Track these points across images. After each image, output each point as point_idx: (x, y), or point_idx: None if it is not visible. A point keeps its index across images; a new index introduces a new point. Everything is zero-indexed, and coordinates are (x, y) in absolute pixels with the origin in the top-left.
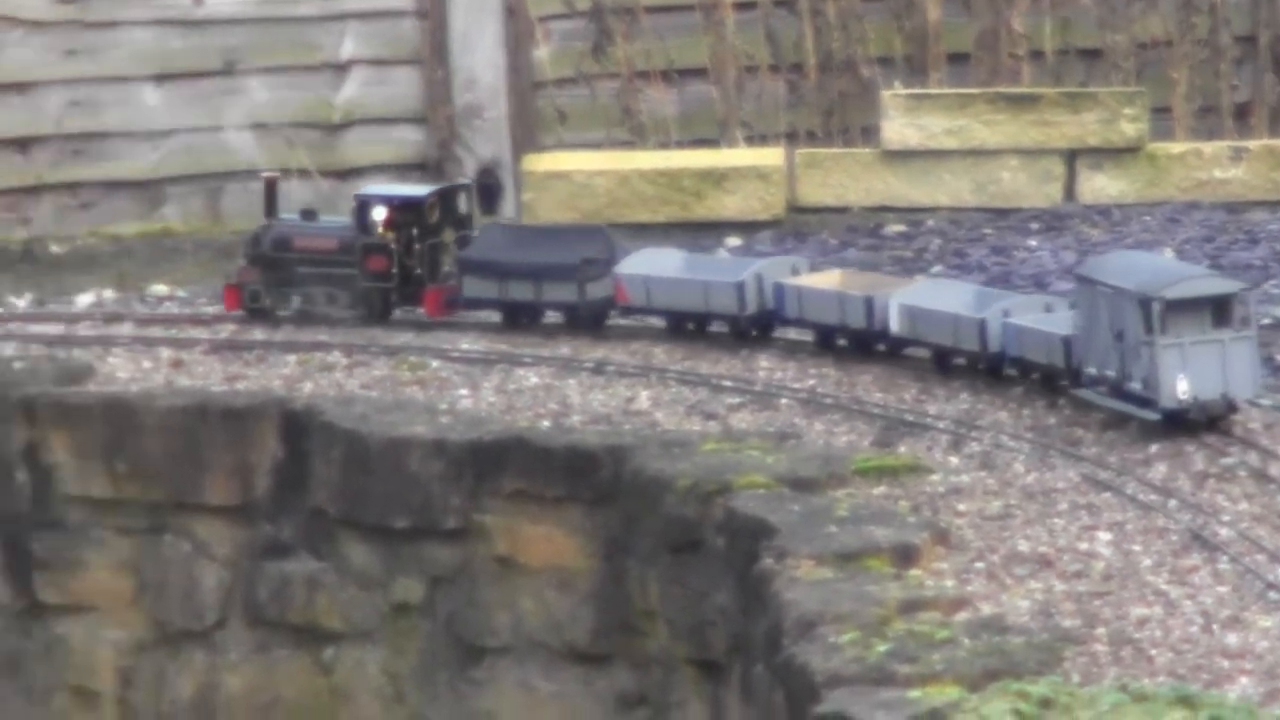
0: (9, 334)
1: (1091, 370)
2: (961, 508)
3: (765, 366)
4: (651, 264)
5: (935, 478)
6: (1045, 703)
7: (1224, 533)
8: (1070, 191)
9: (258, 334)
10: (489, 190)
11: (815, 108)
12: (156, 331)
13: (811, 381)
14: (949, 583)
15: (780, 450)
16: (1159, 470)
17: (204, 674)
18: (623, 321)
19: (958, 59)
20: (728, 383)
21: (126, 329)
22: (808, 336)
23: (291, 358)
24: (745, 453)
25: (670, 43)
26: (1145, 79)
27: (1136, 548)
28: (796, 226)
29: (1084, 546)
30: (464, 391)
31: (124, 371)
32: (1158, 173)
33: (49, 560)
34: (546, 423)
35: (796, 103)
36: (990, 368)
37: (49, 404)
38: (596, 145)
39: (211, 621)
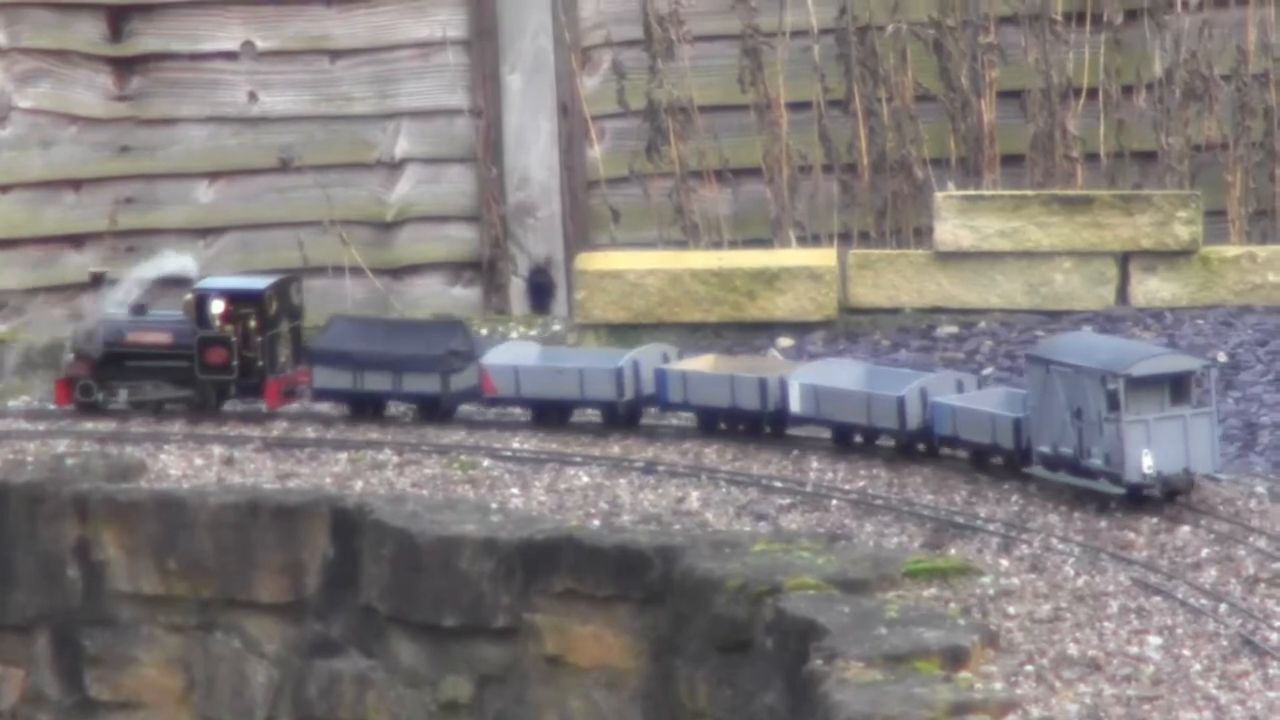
0: (61, 430)
1: (1045, 449)
2: (1011, 610)
3: (816, 468)
4: (517, 355)
5: (985, 580)
6: None
7: (1274, 638)
8: (1123, 294)
9: (309, 432)
10: (541, 289)
11: (868, 208)
12: (208, 429)
13: (862, 483)
14: (998, 685)
15: (830, 551)
16: (1209, 574)
17: None
18: (674, 421)
19: (1012, 160)
20: (778, 483)
21: (178, 428)
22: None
23: (343, 455)
24: (795, 554)
25: (724, 142)
26: (1200, 182)
27: (1186, 652)
28: (849, 327)
29: (1134, 650)
30: (515, 490)
31: (175, 468)
32: (1211, 276)
33: (99, 657)
34: (597, 522)
35: (850, 203)
36: (907, 445)
37: (100, 500)
38: (649, 244)
39: (261, 718)
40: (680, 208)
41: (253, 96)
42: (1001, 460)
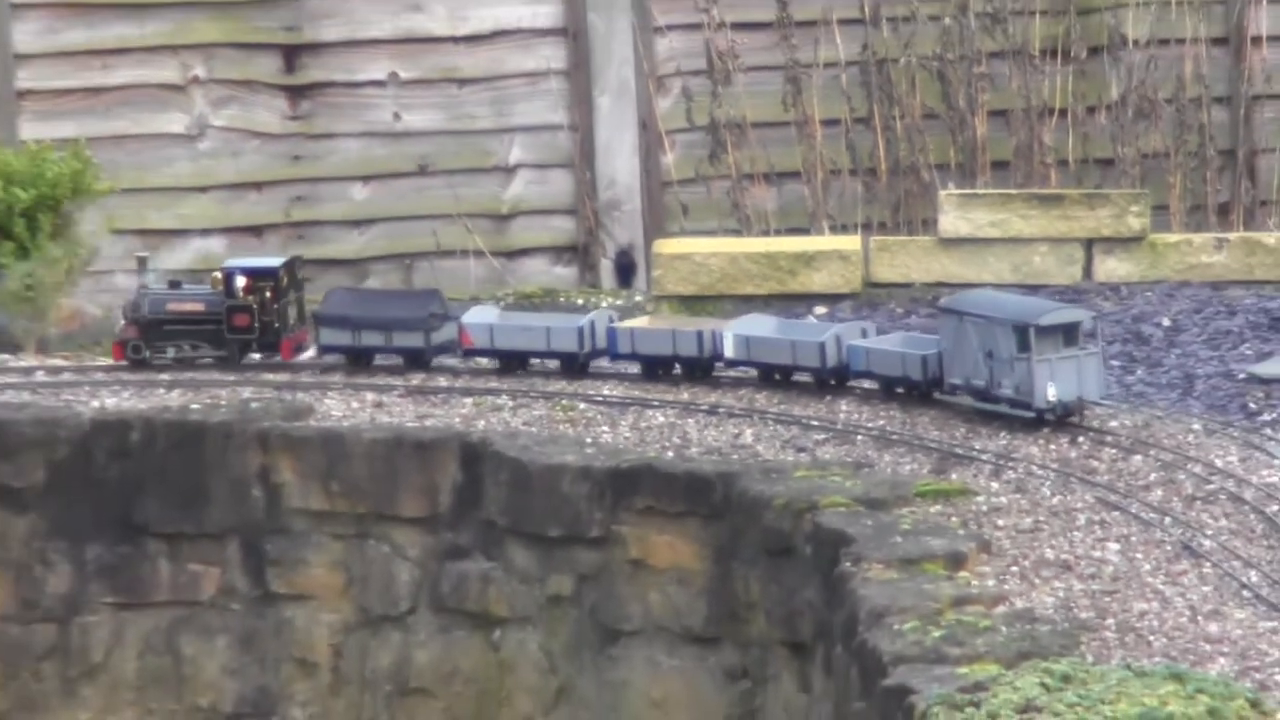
0: (247, 380)
1: (956, 380)
2: (1000, 523)
3: (845, 410)
4: (486, 315)
5: (980, 499)
6: (1066, 678)
7: (1208, 544)
8: (1088, 272)
9: (442, 381)
10: (625, 268)
11: (885, 204)
12: (362, 379)
13: (881, 422)
14: (990, 583)
15: (856, 476)
16: (1156, 494)
17: (398, 650)
18: (731, 373)
19: (1000, 166)
20: (815, 423)
21: (339, 377)
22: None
23: (469, 400)
24: (829, 478)
25: (771, 151)
26: (1148, 183)
27: (1139, 555)
28: (871, 299)
29: (1097, 554)
30: (605, 428)
31: (337, 410)
32: (1157, 258)
33: (278, 559)
34: (670, 453)
35: (871, 199)
36: (827, 381)
37: (278, 435)
38: (711, 232)
39: (405, 608)
40: (736, 203)
41: (397, 116)
42: (907, 390)
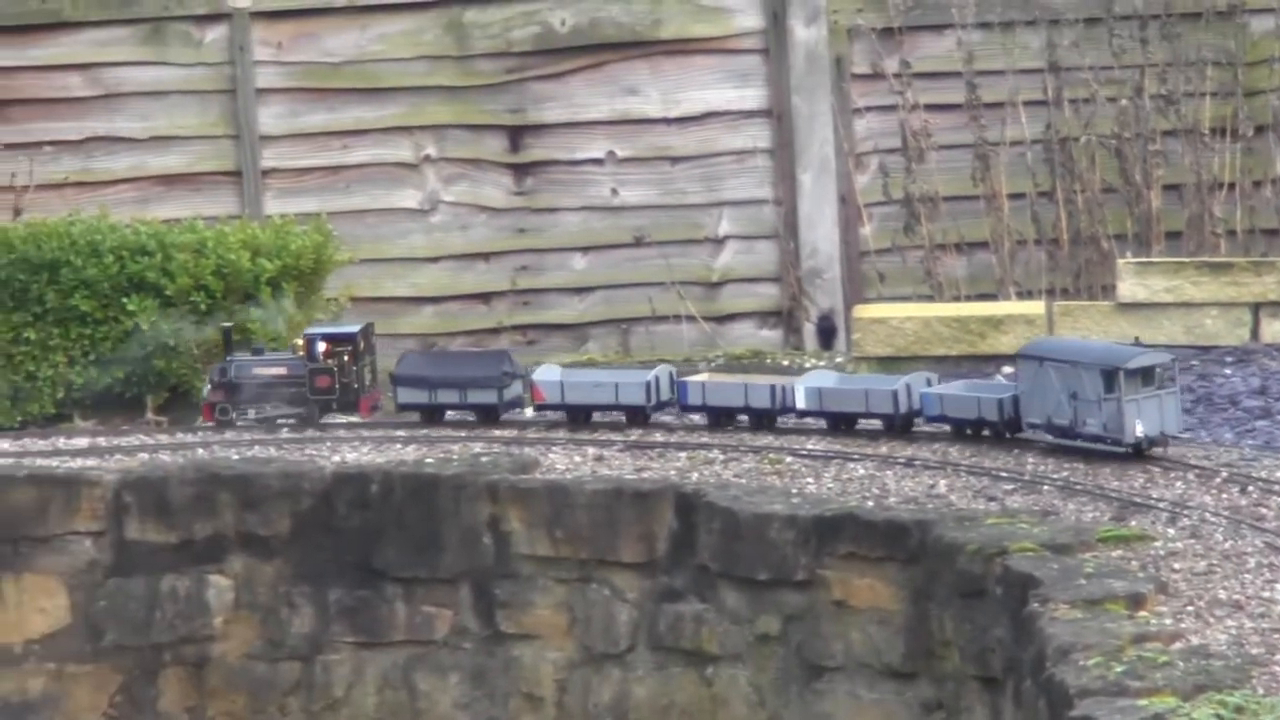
0: (477, 436)
1: (1035, 420)
2: (1176, 566)
3: (1031, 462)
4: (552, 373)
5: (1157, 544)
6: (1239, 709)
7: None
8: (1255, 334)
9: (658, 437)
10: (827, 331)
11: (1068, 271)
12: (584, 435)
13: (1065, 473)
14: (1167, 621)
15: (1043, 523)
16: None
17: (618, 685)
18: (926, 428)
19: (1173, 236)
20: (1004, 474)
21: (562, 434)
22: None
23: (683, 455)
24: (1017, 525)
25: (961, 223)
26: None
27: None
28: None
29: (1266, 595)
30: (810, 480)
31: (561, 464)
32: None
33: (507, 601)
34: (870, 503)
35: (1054, 267)
36: (897, 426)
37: (507, 487)
38: (906, 298)
39: (624, 647)
40: (929, 271)
41: (614, 191)
42: (976, 432)
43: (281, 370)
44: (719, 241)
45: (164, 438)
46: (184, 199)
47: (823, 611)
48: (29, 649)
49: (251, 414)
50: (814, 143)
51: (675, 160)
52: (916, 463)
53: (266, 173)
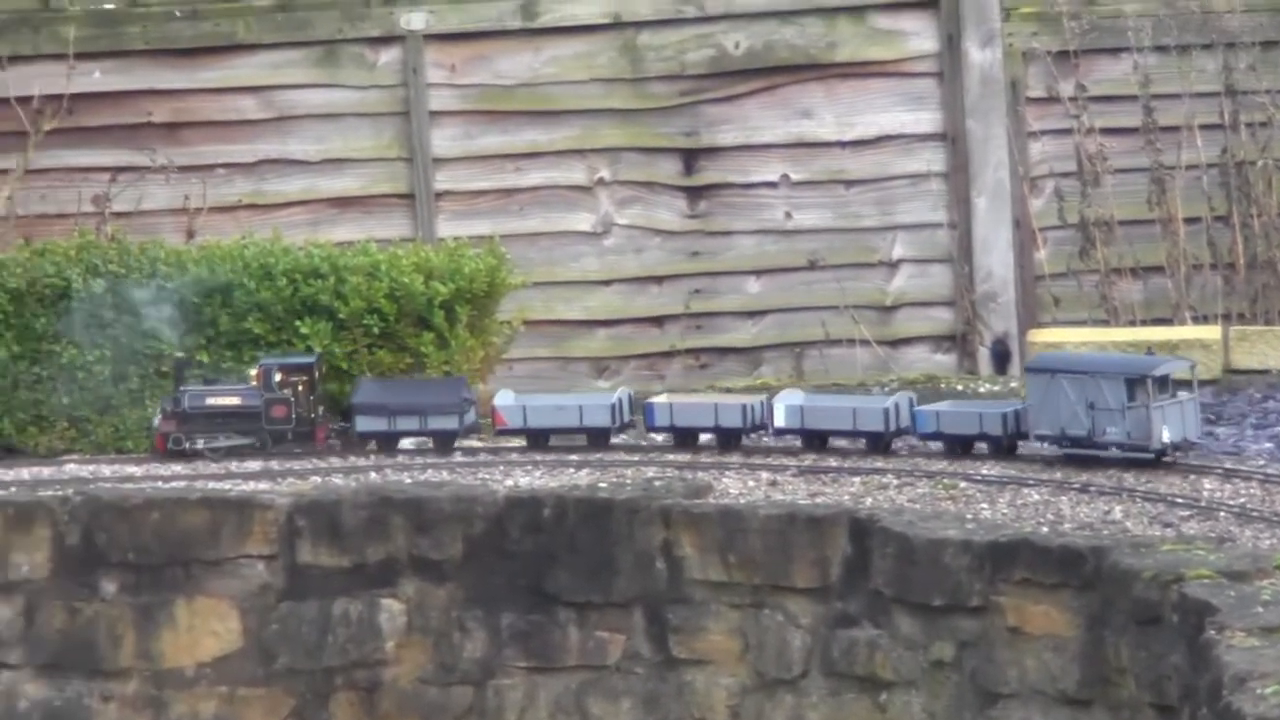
0: (651, 460)
1: (1045, 432)
2: None
3: (1208, 489)
4: (518, 397)
5: None
6: None
7: None
8: None
9: (831, 462)
10: (1001, 356)
11: (1244, 296)
12: (757, 459)
13: (1242, 499)
14: None
15: (1220, 550)
16: None
17: (791, 711)
18: (1099, 454)
19: None
20: (1179, 500)
21: (735, 458)
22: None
23: (856, 480)
24: (1193, 552)
25: (1137, 247)
26: None
27: None
28: (1230, 384)
29: None
30: (984, 505)
31: (734, 488)
32: None
33: (679, 626)
34: (1045, 529)
35: (1230, 292)
36: (881, 444)
37: (680, 512)
38: (1081, 323)
39: (797, 672)
40: (1104, 295)
41: (788, 215)
42: (965, 447)
43: (235, 400)
44: (893, 265)
45: (336, 461)
46: (356, 222)
47: (997, 638)
48: (200, 672)
49: (202, 444)
50: (989, 166)
51: (849, 183)
52: (1091, 488)
53: (439, 195)
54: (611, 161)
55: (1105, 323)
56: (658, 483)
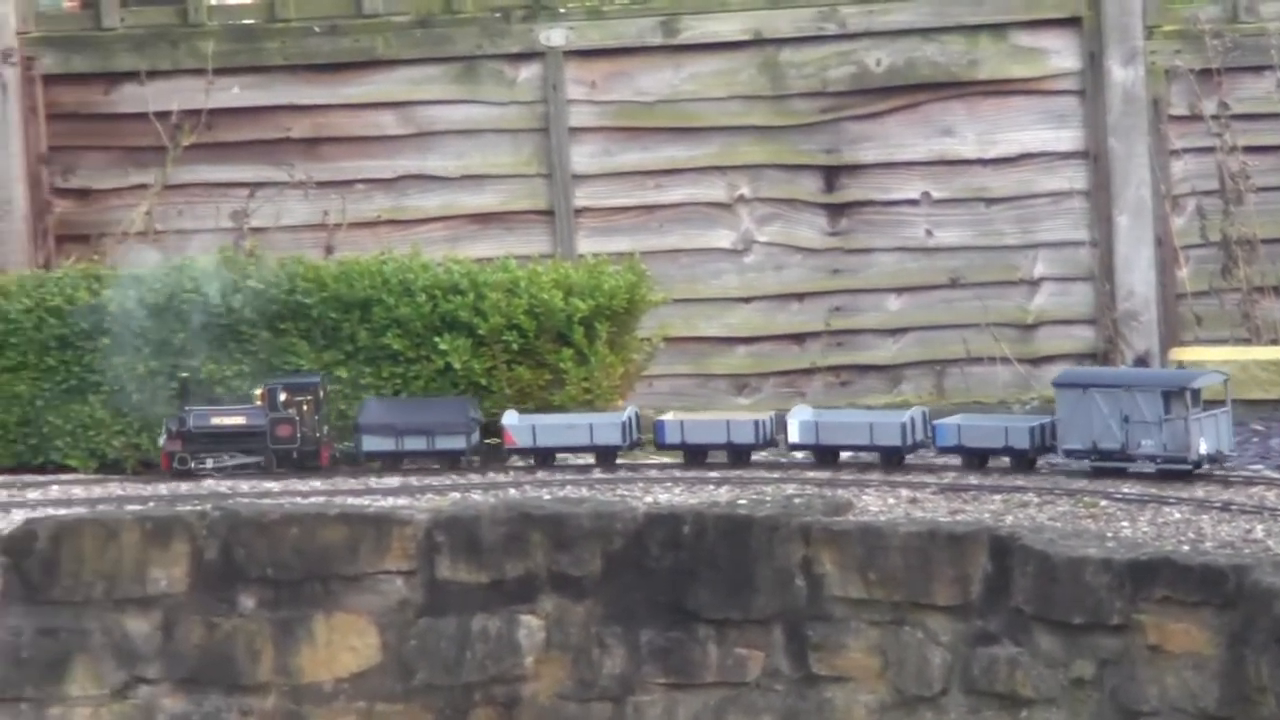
0: (790, 478)
1: (1074, 446)
2: None
3: None
4: (517, 417)
5: None
6: None
7: None
8: None
9: (972, 479)
10: None
11: None
12: (898, 477)
13: None
14: None
15: None
16: None
17: None
18: (1244, 473)
19: None
20: None
21: (875, 475)
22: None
23: (997, 498)
24: None
25: (1279, 266)
26: None
27: None
28: None
29: None
30: (1124, 523)
31: (874, 506)
32: None
33: (819, 643)
34: (1186, 547)
35: None
36: (896, 458)
37: (820, 529)
38: (1223, 341)
39: (937, 690)
40: (1247, 314)
41: (929, 232)
42: (1009, 460)
43: (240, 420)
44: (1034, 283)
45: (475, 477)
46: (496, 238)
47: (1137, 656)
48: (339, 687)
49: (210, 463)
50: (1130, 184)
51: (990, 201)
52: (1233, 507)
53: (579, 211)
54: (752, 178)
55: (1247, 341)
56: (797, 500)
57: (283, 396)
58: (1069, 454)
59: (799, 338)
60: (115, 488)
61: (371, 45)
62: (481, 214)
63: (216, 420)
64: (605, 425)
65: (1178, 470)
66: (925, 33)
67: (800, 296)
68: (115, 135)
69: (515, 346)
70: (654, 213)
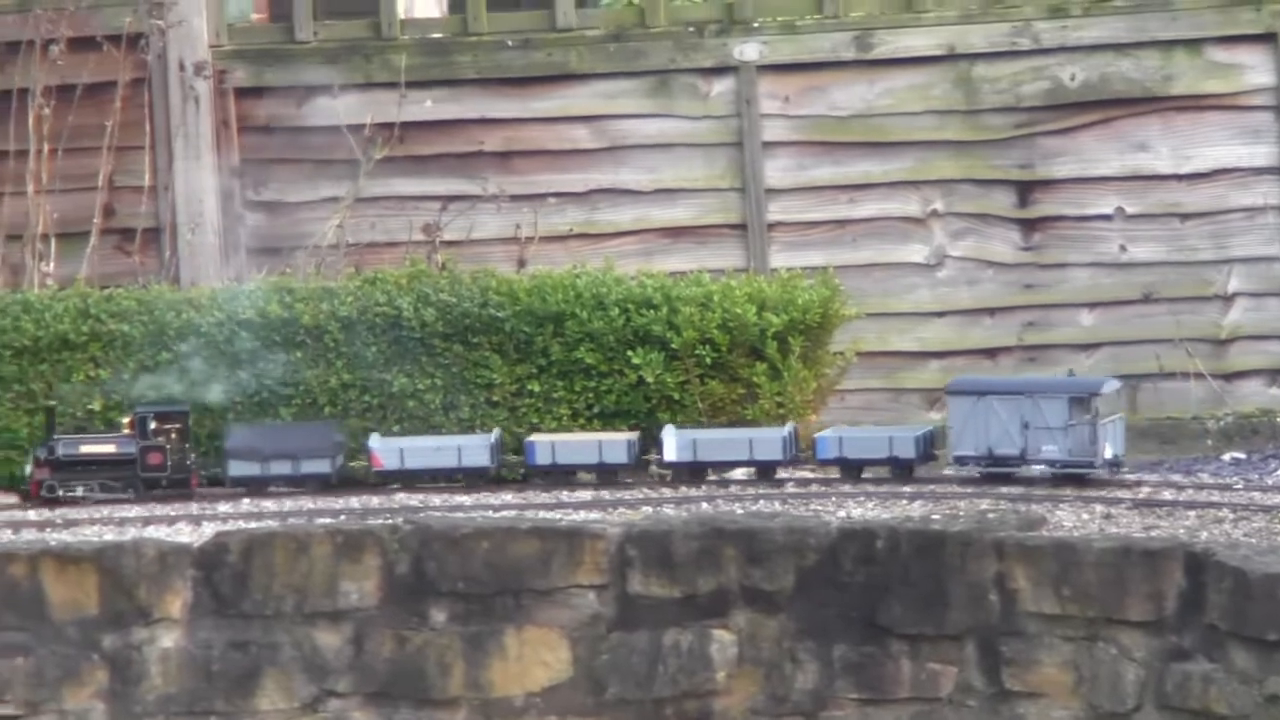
0: (984, 493)
1: (967, 452)
2: None
3: None
4: (386, 441)
5: None
6: None
7: None
8: None
9: (1166, 495)
10: None
11: None
12: (1091, 493)
13: None
14: None
15: None
16: None
17: None
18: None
19: None
20: None
21: (1069, 491)
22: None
23: (1191, 513)
24: None
25: None
26: None
27: None
28: None
29: None
30: None
31: (1068, 521)
32: None
33: (1012, 659)
34: None
35: None
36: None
37: (1013, 544)
38: None
39: (1131, 706)
40: None
41: (1122, 248)
42: (890, 470)
43: (110, 448)
44: (1228, 299)
45: (667, 491)
46: (688, 252)
47: None
48: (530, 701)
49: (80, 490)
50: None
51: (1185, 217)
52: None
53: (772, 226)
54: (945, 193)
55: None
56: (991, 515)
57: (152, 425)
58: (961, 460)
59: (991, 352)
60: (306, 501)
61: (564, 59)
62: (673, 228)
63: (86, 449)
64: (474, 447)
65: (1076, 475)
66: (1119, 48)
67: (993, 311)
68: (307, 148)
69: (708, 361)
70: (846, 227)
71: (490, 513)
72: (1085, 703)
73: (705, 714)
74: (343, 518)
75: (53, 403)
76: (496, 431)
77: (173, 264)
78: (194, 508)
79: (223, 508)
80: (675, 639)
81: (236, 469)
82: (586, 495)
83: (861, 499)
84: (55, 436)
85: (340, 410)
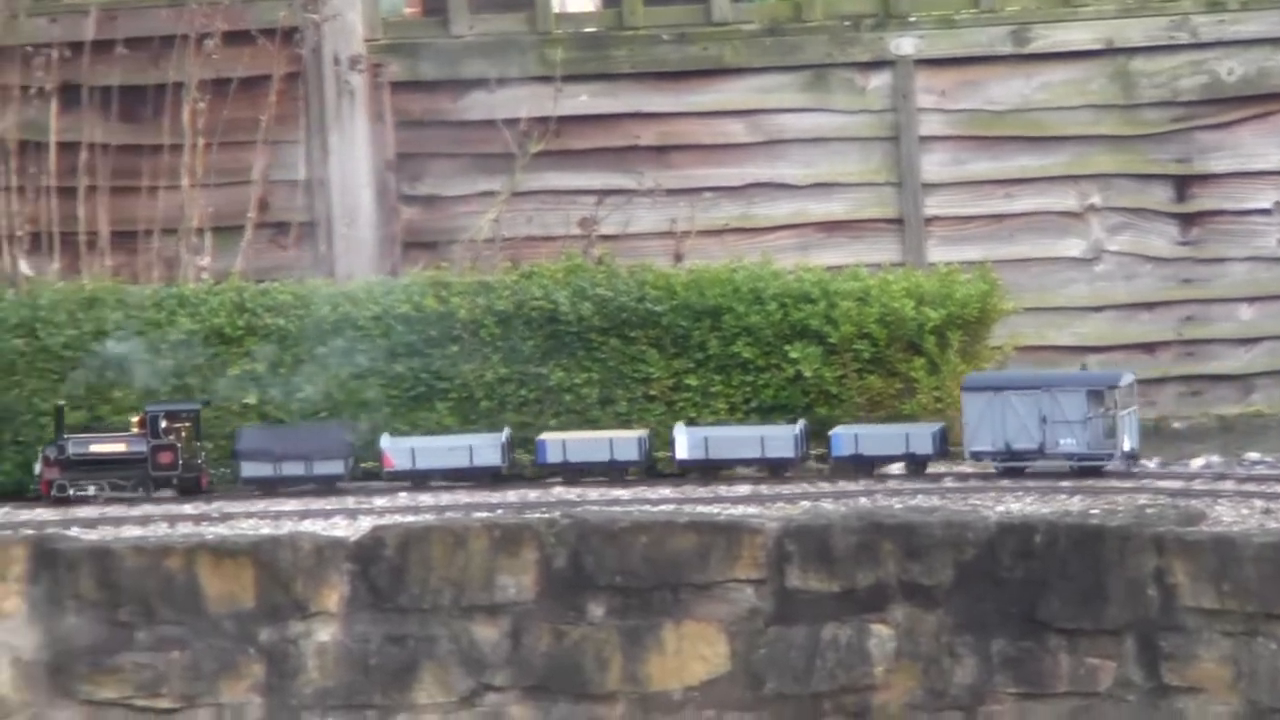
0: (1142, 488)
1: (983, 448)
2: None
3: None
4: (397, 441)
5: None
6: None
7: None
8: None
9: None
10: None
11: None
12: (1250, 487)
13: None
14: None
15: None
16: None
17: None
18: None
19: None
20: None
21: (1229, 485)
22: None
23: None
24: None
25: None
26: None
27: None
28: None
29: None
30: None
31: (1227, 516)
32: None
33: (1171, 654)
34: None
35: None
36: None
37: (1173, 539)
38: None
39: None
40: None
41: None
42: (903, 465)
43: (120, 447)
44: None
45: (825, 485)
46: (845, 246)
47: None
48: (688, 695)
49: (91, 490)
50: None
51: None
52: None
53: (929, 220)
54: (1102, 188)
55: None
56: (1150, 510)
57: (163, 424)
58: (977, 455)
59: (1149, 347)
60: (462, 495)
61: (720, 53)
62: (829, 222)
63: (96, 447)
64: (485, 446)
65: (1094, 468)
66: (1277, 42)
67: (1150, 306)
68: (462, 142)
69: (866, 355)
70: (1003, 221)
71: (648, 507)
72: (1244, 698)
73: (863, 709)
74: (500, 511)
75: (61, 402)
76: (506, 431)
77: (328, 258)
78: (350, 501)
79: (379, 501)
80: (833, 633)
81: (249, 470)
82: (744, 490)
83: (1019, 494)
84: (65, 436)
85: (496, 404)
